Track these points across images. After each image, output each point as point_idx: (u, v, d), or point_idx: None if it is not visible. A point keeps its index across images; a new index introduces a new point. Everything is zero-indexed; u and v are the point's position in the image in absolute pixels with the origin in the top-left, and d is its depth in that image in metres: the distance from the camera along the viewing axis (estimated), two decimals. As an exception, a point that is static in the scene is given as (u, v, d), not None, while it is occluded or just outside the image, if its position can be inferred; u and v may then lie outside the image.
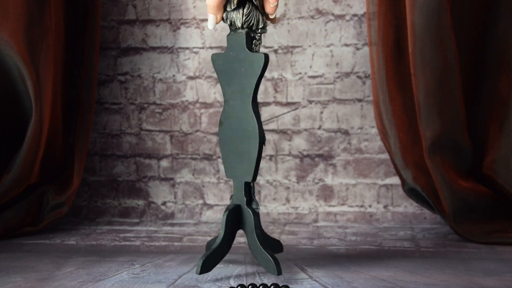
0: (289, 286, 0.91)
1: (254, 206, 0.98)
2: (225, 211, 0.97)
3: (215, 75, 1.51)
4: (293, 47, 1.49)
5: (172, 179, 1.54)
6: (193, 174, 1.53)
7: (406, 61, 1.30)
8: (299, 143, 1.50)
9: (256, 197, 1.51)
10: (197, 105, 1.52)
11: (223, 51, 1.01)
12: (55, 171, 1.44)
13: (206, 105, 1.52)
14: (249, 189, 0.98)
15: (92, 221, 1.49)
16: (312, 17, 1.48)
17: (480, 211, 1.28)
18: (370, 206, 1.48)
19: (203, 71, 1.52)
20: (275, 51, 1.49)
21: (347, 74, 1.48)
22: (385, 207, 1.47)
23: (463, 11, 1.31)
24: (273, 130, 1.50)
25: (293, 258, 1.10)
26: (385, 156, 1.46)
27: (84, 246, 1.24)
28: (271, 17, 0.95)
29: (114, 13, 1.54)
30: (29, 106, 1.30)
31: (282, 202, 1.50)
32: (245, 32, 0.95)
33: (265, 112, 1.49)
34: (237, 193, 0.98)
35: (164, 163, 1.54)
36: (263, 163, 1.50)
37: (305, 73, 1.49)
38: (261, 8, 0.94)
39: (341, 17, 1.47)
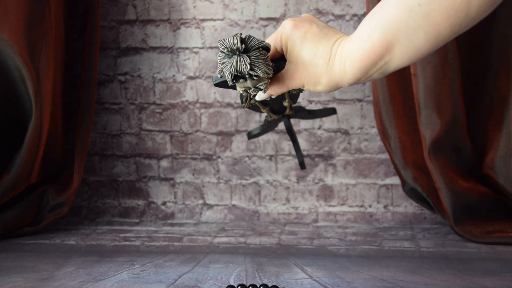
0: (289, 286, 0.91)
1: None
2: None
3: (215, 75, 1.51)
4: (293, 47, 1.49)
5: (172, 179, 1.54)
6: (193, 174, 1.53)
7: (406, 61, 1.30)
8: (299, 143, 1.49)
9: (256, 197, 1.51)
10: (197, 105, 1.52)
11: None
12: (55, 171, 1.44)
13: (206, 105, 1.52)
14: None
15: (92, 221, 1.49)
16: (312, 17, 1.48)
17: (480, 211, 1.28)
18: (370, 206, 1.47)
19: (203, 71, 1.52)
20: (275, 51, 1.49)
21: (347, 74, 1.48)
22: (385, 207, 1.47)
23: (463, 11, 1.30)
24: (273, 130, 1.50)
25: (293, 258, 1.10)
26: (385, 156, 1.46)
27: (84, 246, 1.24)
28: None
29: (114, 13, 1.54)
30: (29, 106, 1.30)
31: (282, 202, 1.50)
32: None
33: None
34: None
35: (164, 163, 1.54)
36: (263, 163, 1.50)
37: (305, 73, 1.48)
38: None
39: (341, 17, 1.47)
